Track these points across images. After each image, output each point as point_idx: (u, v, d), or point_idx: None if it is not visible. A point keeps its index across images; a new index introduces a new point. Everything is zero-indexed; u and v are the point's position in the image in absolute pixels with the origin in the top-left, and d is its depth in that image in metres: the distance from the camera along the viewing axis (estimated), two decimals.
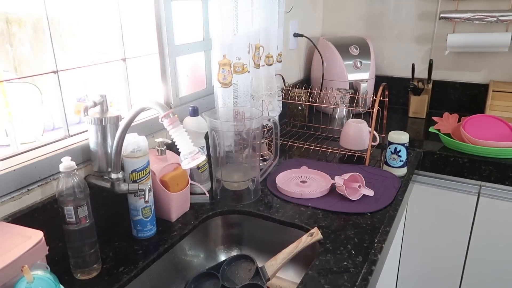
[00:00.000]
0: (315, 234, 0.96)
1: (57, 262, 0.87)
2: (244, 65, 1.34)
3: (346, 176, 1.18)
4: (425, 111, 1.95)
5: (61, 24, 2.39)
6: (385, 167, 1.36)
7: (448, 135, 1.57)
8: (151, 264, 0.94)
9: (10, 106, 2.20)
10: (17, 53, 2.36)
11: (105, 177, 0.96)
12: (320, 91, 1.80)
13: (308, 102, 1.73)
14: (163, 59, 1.25)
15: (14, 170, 0.84)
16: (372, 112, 1.40)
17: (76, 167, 0.82)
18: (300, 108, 1.76)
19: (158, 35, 1.22)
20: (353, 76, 1.92)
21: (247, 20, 1.32)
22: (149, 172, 0.98)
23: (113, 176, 0.93)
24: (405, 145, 1.32)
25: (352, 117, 1.69)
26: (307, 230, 1.01)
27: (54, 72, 0.95)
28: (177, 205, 1.08)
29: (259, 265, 0.98)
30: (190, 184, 1.12)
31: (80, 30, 2.56)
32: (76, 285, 0.84)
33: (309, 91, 1.73)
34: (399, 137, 1.33)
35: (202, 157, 0.85)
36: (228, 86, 1.28)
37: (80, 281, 0.86)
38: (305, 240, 0.95)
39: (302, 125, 1.77)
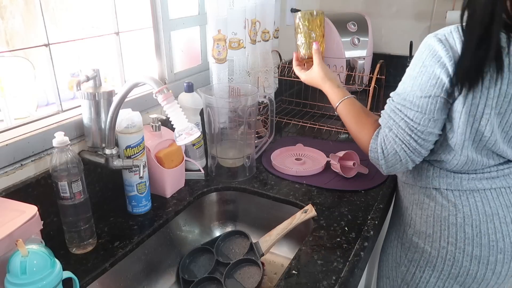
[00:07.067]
0: (309, 210, 0.97)
1: (52, 237, 0.87)
2: (240, 40, 1.32)
3: (341, 153, 1.18)
4: None
5: None
6: None
7: None
8: (146, 239, 0.95)
9: (3, 81, 2.18)
10: (8, 26, 2.31)
11: (99, 152, 0.96)
12: None
13: None
14: (157, 33, 1.22)
15: (6, 145, 0.83)
16: (369, 90, 1.39)
17: (69, 142, 0.81)
18: (296, 85, 1.74)
19: (152, 8, 1.19)
20: (350, 53, 1.90)
21: None
22: (143, 148, 0.98)
23: (107, 152, 0.92)
24: None
25: None
26: (301, 207, 1.01)
27: (46, 45, 0.93)
28: (172, 181, 1.09)
29: (254, 240, 0.99)
30: (185, 160, 1.12)
31: (73, 4, 2.50)
32: (71, 259, 0.85)
33: None
34: None
35: (197, 133, 0.84)
36: (222, 62, 1.27)
37: (75, 255, 0.86)
38: (299, 216, 0.96)
39: (298, 103, 1.76)
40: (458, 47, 0.77)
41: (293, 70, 1.22)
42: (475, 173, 0.89)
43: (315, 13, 1.13)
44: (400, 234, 1.03)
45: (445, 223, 0.91)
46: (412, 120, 0.83)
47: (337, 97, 1.03)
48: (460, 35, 0.77)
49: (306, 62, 1.19)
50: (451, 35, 0.78)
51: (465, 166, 0.88)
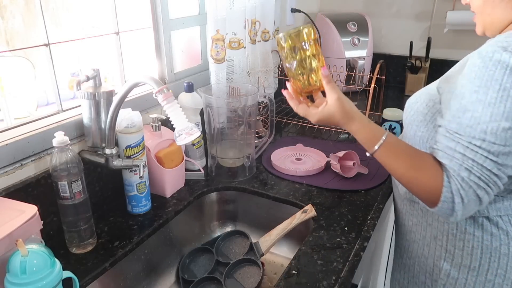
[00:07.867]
0: (309, 211, 0.97)
1: (52, 236, 0.87)
2: (240, 40, 1.32)
3: (341, 153, 1.18)
4: None
5: None
6: None
7: None
8: (146, 239, 0.95)
9: (3, 80, 2.18)
10: (8, 26, 2.31)
11: (99, 152, 0.95)
12: None
13: None
14: (157, 33, 1.22)
15: (6, 144, 0.83)
16: (369, 90, 1.39)
17: (69, 142, 0.81)
18: None
19: (152, 8, 1.19)
20: (350, 53, 1.90)
21: None
22: (143, 148, 0.98)
23: (107, 151, 0.92)
24: (400, 122, 1.32)
25: (349, 96, 1.68)
26: (301, 207, 1.01)
27: (46, 45, 0.93)
28: (172, 181, 1.09)
29: (253, 240, 0.99)
30: (185, 160, 1.12)
31: (73, 4, 2.50)
32: (71, 259, 0.85)
33: None
34: (394, 114, 1.33)
35: (197, 133, 0.84)
36: (221, 62, 1.27)
37: (75, 255, 0.86)
38: (299, 216, 0.96)
39: None
40: None
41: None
42: None
43: (305, 30, 0.81)
44: (428, 268, 0.92)
45: (495, 254, 0.82)
46: (497, 156, 0.68)
47: (373, 137, 0.80)
48: None
49: (305, 94, 0.88)
50: None
51: None
